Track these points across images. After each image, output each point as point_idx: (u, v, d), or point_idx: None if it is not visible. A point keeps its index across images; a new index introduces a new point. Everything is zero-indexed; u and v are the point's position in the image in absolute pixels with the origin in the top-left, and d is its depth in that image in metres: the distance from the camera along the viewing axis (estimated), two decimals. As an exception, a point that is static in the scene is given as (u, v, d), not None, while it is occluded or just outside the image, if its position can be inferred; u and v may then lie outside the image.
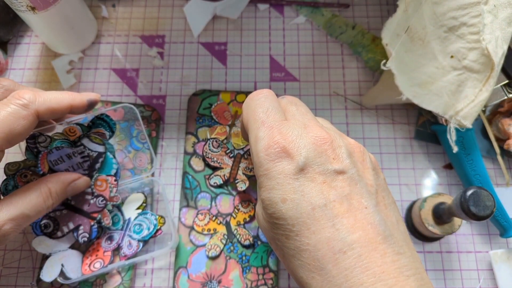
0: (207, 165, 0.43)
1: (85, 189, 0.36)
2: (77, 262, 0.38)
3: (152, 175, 0.43)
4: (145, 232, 0.39)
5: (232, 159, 0.42)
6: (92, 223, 0.37)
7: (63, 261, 0.37)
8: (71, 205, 0.37)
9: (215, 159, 0.42)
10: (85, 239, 0.37)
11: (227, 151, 0.42)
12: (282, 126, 0.26)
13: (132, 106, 0.40)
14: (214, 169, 0.42)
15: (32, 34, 0.50)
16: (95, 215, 0.37)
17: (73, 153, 0.36)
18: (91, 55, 0.49)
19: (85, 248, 0.39)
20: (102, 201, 0.37)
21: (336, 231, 0.23)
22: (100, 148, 0.37)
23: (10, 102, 0.31)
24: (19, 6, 0.40)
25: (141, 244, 0.39)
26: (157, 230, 0.39)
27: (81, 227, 0.37)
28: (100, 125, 0.38)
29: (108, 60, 0.49)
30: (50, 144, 0.36)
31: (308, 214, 0.24)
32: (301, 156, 0.25)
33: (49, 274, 0.37)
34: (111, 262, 0.38)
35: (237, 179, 0.41)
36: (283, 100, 0.30)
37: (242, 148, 0.43)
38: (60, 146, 0.35)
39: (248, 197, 0.42)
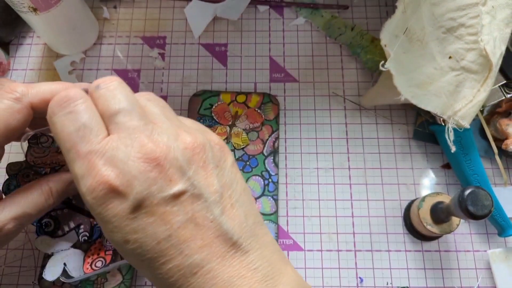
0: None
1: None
2: (79, 261, 0.38)
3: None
4: None
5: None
6: (95, 223, 0.37)
7: (65, 260, 0.37)
8: (72, 204, 0.37)
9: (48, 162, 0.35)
10: (85, 238, 0.37)
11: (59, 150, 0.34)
12: (104, 150, 0.22)
13: None
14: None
15: (34, 35, 0.51)
16: None
17: None
18: (93, 56, 0.49)
19: (86, 247, 0.39)
20: None
21: (185, 257, 0.22)
22: None
23: (2, 97, 0.30)
24: (21, 7, 0.40)
25: None
26: None
27: (82, 226, 0.37)
28: None
29: (110, 61, 0.49)
30: (52, 144, 0.36)
31: (154, 249, 0.22)
32: (133, 192, 0.21)
33: (51, 273, 0.37)
34: (113, 261, 0.39)
35: None
36: (98, 91, 0.24)
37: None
38: None
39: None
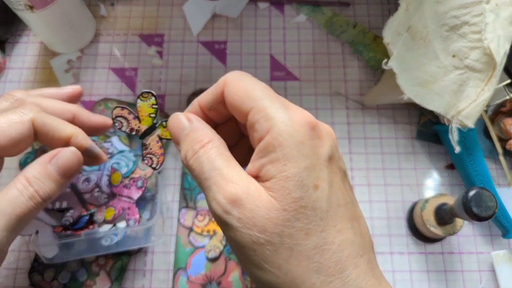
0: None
1: (79, 165, 0.30)
2: (50, 236, 0.36)
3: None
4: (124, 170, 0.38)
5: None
6: (85, 213, 0.36)
7: (38, 228, 0.35)
8: (77, 188, 0.36)
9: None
10: (67, 223, 0.35)
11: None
12: (289, 103, 0.24)
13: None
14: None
15: (30, 33, 0.50)
16: (91, 207, 0.36)
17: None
18: (90, 54, 0.49)
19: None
20: (104, 198, 0.37)
21: (354, 234, 0.22)
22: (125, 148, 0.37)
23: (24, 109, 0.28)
24: (17, 5, 0.39)
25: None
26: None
27: (71, 211, 0.36)
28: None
29: (107, 59, 0.49)
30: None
31: (336, 210, 0.21)
32: (328, 142, 0.22)
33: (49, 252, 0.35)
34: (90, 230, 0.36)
35: None
36: None
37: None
38: None
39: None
